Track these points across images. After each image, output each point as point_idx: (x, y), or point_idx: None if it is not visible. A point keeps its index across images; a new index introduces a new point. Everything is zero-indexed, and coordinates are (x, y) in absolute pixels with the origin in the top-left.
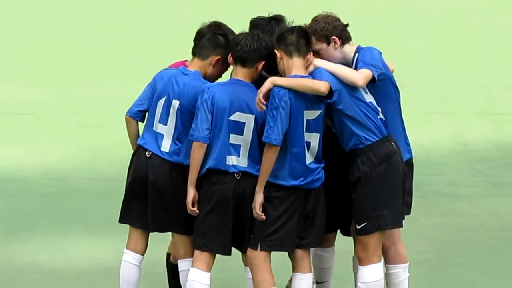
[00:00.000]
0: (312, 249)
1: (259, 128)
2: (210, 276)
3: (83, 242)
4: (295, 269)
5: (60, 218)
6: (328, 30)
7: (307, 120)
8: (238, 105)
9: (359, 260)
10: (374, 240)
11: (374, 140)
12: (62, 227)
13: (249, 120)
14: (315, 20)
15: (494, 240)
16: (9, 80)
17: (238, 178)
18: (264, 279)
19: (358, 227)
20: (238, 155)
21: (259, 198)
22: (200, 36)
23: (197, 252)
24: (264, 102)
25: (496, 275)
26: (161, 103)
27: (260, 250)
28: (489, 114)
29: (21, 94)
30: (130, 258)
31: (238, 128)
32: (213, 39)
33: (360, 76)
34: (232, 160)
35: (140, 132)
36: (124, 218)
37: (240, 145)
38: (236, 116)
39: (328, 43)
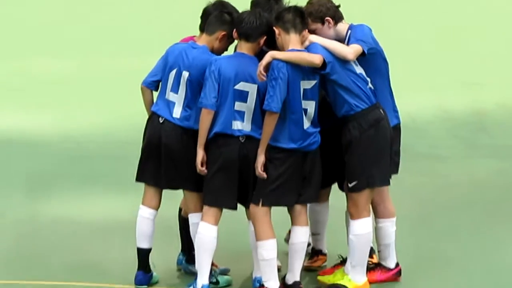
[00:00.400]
0: (308, 206)
1: (261, 96)
2: (217, 229)
3: (102, 199)
4: (293, 223)
5: (80, 178)
6: (322, 12)
7: (304, 89)
8: (243, 75)
9: (350, 215)
10: (364, 197)
11: (364, 107)
12: (81, 186)
13: (252, 89)
14: (310, 3)
15: (470, 196)
16: (35, 52)
17: (242, 141)
18: (264, 231)
19: (350, 186)
20: (243, 121)
21: (260, 159)
22: (206, 14)
23: (205, 208)
24: (265, 74)
25: (472, 228)
26: (172, 74)
27: (262, 205)
28: (468, 84)
29: (46, 64)
30: (145, 213)
31: (243, 96)
32: (219, 17)
33: (350, 51)
34: (237, 125)
35: (154, 100)
36: (140, 177)
37: (244, 112)
38: (241, 86)
39: (323, 24)
